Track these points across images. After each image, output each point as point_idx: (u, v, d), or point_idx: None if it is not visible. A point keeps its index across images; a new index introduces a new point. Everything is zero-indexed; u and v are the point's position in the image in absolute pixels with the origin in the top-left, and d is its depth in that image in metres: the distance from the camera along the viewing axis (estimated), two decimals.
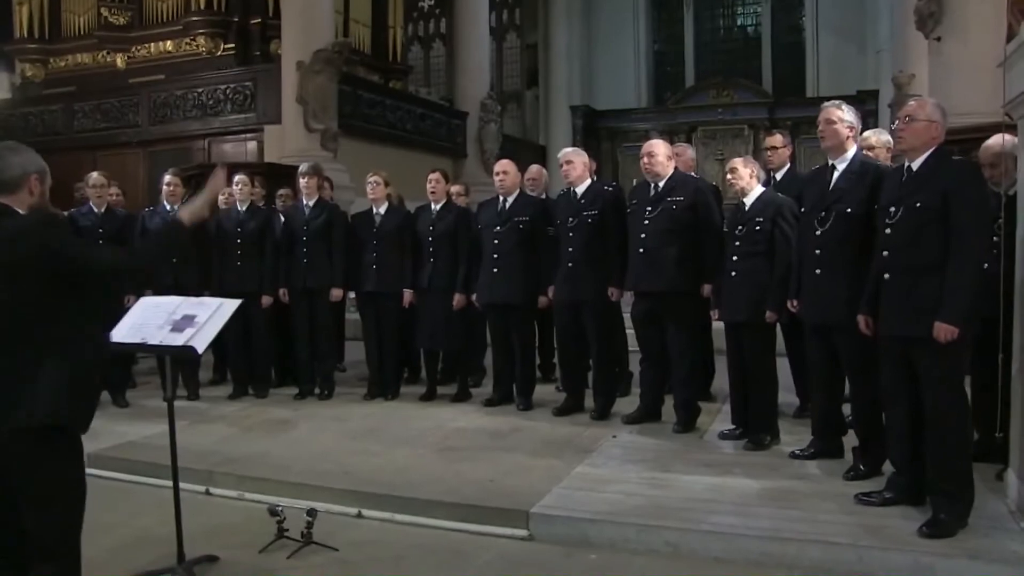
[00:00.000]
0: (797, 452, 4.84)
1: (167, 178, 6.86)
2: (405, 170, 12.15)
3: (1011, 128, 4.21)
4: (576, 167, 5.81)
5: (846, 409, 4.76)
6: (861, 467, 4.42)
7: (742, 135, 17.61)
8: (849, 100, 16.51)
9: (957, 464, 3.73)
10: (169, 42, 12.48)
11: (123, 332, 3.52)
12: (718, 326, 5.75)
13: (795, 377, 5.77)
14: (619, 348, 6.39)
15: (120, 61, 12.83)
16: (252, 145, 11.46)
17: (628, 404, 6.07)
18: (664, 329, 5.53)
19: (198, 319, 3.46)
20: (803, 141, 17.03)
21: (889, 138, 5.19)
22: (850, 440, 4.69)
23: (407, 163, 12.91)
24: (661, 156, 5.42)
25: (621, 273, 5.73)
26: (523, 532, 4.02)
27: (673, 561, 3.75)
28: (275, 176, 9.02)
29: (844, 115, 4.38)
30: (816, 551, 3.64)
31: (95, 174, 6.79)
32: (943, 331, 3.57)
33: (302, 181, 6.74)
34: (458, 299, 6.37)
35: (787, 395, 5.65)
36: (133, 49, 12.79)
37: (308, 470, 4.77)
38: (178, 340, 3.38)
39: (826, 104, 4.59)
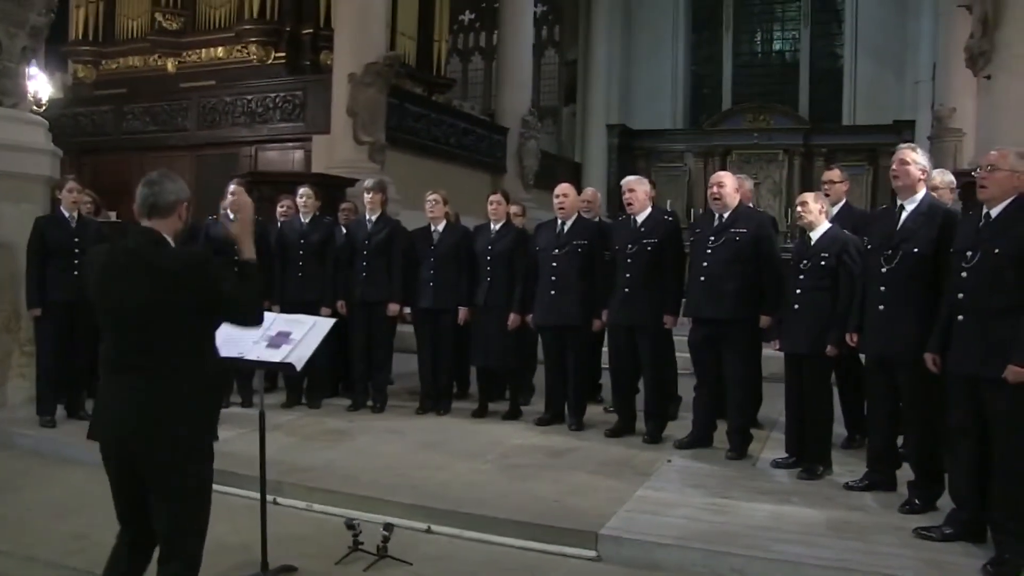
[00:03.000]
0: (851, 483, 4.92)
1: (231, 187, 6.98)
2: (447, 184, 12.27)
3: None
4: (639, 195, 5.94)
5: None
6: (916, 501, 4.50)
7: (776, 160, 17.60)
8: (885, 130, 16.58)
9: (1023, 504, 3.81)
10: (220, 48, 12.63)
11: (218, 345, 3.64)
12: (767, 353, 5.87)
13: (844, 409, 5.86)
14: (671, 373, 6.47)
15: (171, 65, 13.00)
16: (299, 154, 11.60)
17: (677, 427, 6.18)
18: (720, 356, 5.64)
19: (293, 336, 3.59)
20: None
21: (953, 179, 5.30)
22: (903, 473, 4.78)
23: (449, 177, 13.04)
24: (729, 188, 5.55)
25: (677, 301, 5.86)
26: (591, 553, 4.13)
27: None
28: (325, 187, 9.14)
29: (918, 157, 4.49)
30: None
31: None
32: (1017, 375, 3.66)
33: (367, 196, 6.90)
34: (513, 318, 6.49)
35: (836, 426, 5.72)
36: (184, 54, 12.97)
37: (375, 483, 4.89)
38: (276, 356, 3.51)
39: (901, 145, 4.71)
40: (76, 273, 6.31)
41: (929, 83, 15.03)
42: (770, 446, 5.85)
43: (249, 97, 11.95)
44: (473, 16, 20.70)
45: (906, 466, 4.77)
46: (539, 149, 15.76)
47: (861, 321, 4.69)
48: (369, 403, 6.97)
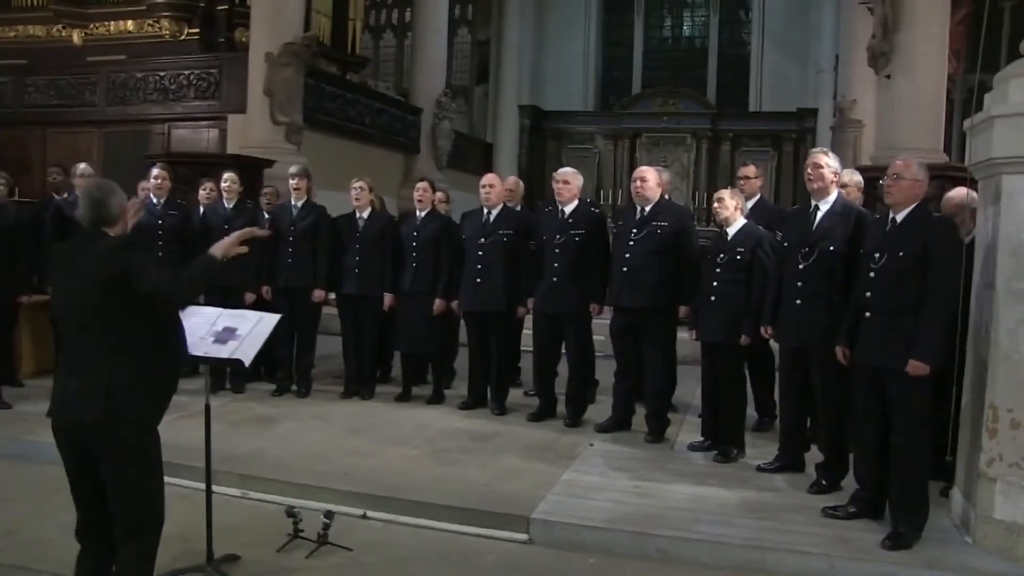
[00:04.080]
0: (763, 465, 5.25)
1: (155, 171, 6.90)
2: (361, 165, 12.32)
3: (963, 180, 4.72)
4: (571, 188, 6.13)
5: None
6: (823, 482, 4.84)
7: (685, 144, 18.04)
8: (789, 117, 17.18)
9: (917, 483, 4.19)
10: (130, 22, 12.28)
11: None
12: (679, 337, 6.11)
13: (755, 394, 6.19)
14: (590, 358, 6.69)
15: (76, 37, 12.55)
16: (214, 133, 11.38)
17: (595, 410, 6.43)
18: (640, 343, 5.89)
19: (239, 332, 3.65)
20: (743, 153, 17.66)
21: (860, 178, 5.64)
22: (812, 456, 5.11)
23: (363, 157, 13.05)
24: (651, 182, 5.78)
25: (602, 290, 6.09)
26: (523, 536, 4.32)
27: (664, 566, 4.10)
28: (243, 168, 9.06)
29: (830, 161, 4.78)
30: (793, 560, 4.03)
31: (83, 165, 6.85)
32: (916, 367, 4.01)
33: (292, 182, 6.91)
34: (438, 304, 6.63)
35: (748, 409, 6.02)
36: (91, 26, 12.54)
37: (309, 470, 4.98)
38: (223, 352, 3.57)
39: (814, 150, 5.00)
40: None
41: (831, 73, 15.60)
42: (686, 429, 6.14)
43: (162, 73, 11.67)
44: None
45: (814, 448, 5.11)
46: (452, 130, 15.81)
47: (775, 314, 4.98)
48: (293, 388, 7.01)
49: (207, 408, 3.87)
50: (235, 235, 3.33)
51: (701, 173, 17.83)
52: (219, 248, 3.27)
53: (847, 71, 13.11)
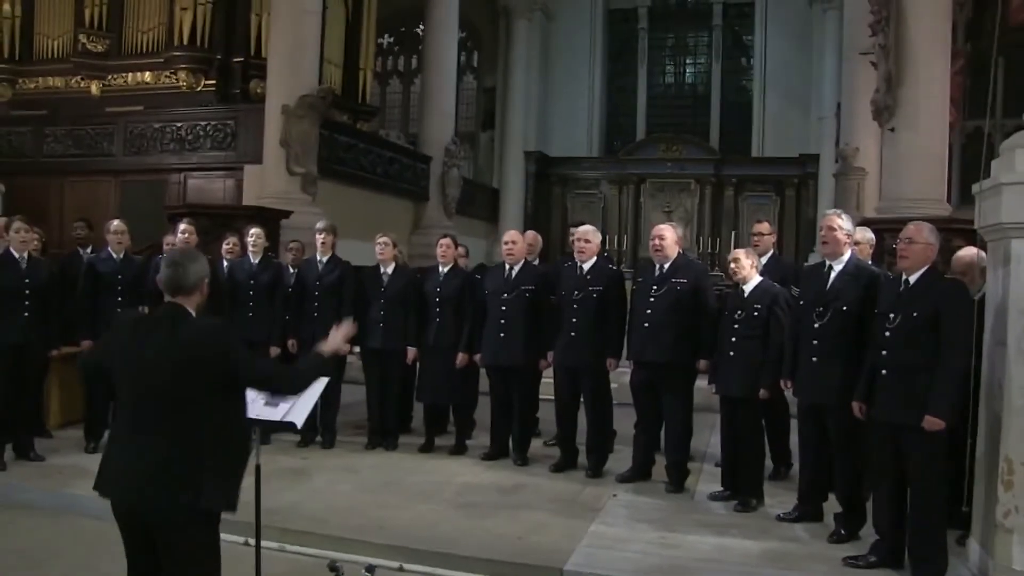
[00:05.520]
0: (782, 515, 5.40)
1: (182, 226, 7.09)
2: (373, 213, 12.60)
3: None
4: (592, 246, 6.34)
5: None
6: (842, 531, 4.99)
7: (688, 189, 18.32)
8: (791, 162, 17.41)
9: (935, 533, 4.38)
10: (148, 73, 12.53)
11: None
12: (696, 386, 6.28)
13: (772, 444, 6.34)
14: (608, 410, 6.83)
15: (95, 88, 12.81)
16: (230, 183, 11.61)
17: (615, 460, 6.57)
18: (659, 396, 6.06)
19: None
20: (746, 198, 18.00)
21: (872, 236, 5.87)
22: (830, 505, 5.26)
23: (375, 206, 13.34)
24: (669, 240, 6.00)
25: (619, 345, 6.27)
26: None
27: None
28: (262, 220, 9.26)
29: (843, 224, 4.99)
30: None
31: (116, 221, 7.01)
32: (932, 424, 4.20)
33: (318, 238, 7.12)
34: (461, 358, 6.80)
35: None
36: (110, 77, 12.81)
37: (345, 523, 5.12)
38: (275, 415, 3.73)
39: (828, 212, 5.21)
40: (26, 315, 6.33)
41: (832, 119, 15.87)
42: (704, 479, 6.29)
43: (179, 124, 11.95)
44: (392, 40, 20.94)
45: (831, 497, 5.26)
46: (462, 177, 16.06)
47: (794, 369, 5.17)
48: (318, 439, 7.15)
49: (257, 468, 4.02)
50: (340, 339, 3.56)
51: (705, 218, 18.12)
52: (330, 348, 3.49)
53: (849, 118, 13.37)
